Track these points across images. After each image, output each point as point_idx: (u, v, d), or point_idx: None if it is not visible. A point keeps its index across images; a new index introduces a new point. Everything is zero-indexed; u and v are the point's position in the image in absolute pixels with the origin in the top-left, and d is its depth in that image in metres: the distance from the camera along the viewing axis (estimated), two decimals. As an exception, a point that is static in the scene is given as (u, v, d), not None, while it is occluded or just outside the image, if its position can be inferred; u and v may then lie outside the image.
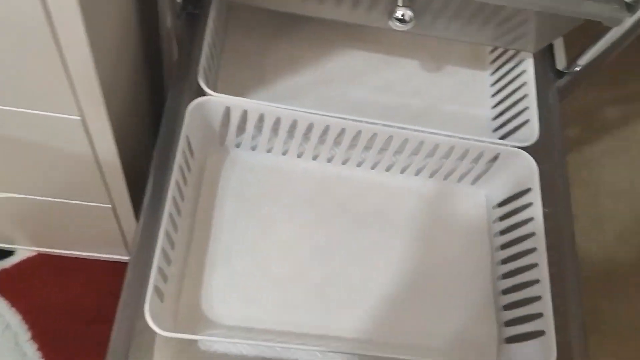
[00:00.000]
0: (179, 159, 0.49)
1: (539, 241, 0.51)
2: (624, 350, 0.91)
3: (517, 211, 0.55)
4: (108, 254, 0.84)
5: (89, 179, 0.59)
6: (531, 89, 0.58)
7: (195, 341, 0.48)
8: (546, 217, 0.52)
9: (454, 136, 0.53)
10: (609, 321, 0.93)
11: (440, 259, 0.55)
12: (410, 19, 0.51)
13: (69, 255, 0.84)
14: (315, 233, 0.54)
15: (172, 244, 0.49)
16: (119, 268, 0.85)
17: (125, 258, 0.85)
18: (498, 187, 0.58)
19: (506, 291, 0.54)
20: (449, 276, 0.55)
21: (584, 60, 0.62)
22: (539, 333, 0.48)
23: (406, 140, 0.54)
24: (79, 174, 0.59)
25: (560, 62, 0.65)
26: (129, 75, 0.57)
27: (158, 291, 0.46)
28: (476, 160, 0.56)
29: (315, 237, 0.54)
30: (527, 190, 0.54)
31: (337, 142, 0.55)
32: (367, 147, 0.55)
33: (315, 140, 0.54)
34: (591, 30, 0.58)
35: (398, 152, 0.56)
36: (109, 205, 0.66)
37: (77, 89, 0.44)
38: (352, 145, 0.55)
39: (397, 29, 0.51)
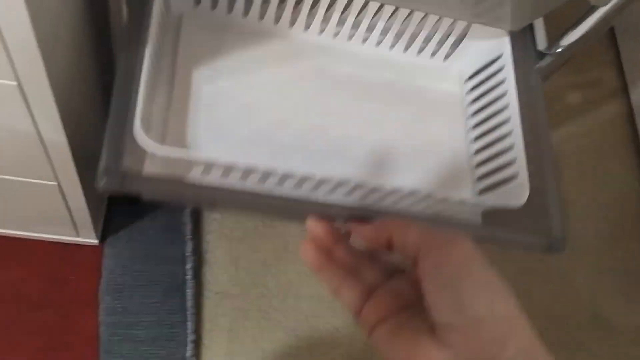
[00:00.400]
0: (155, 13, 0.46)
1: (511, 99, 0.53)
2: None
3: (489, 78, 0.57)
4: (54, 234, 0.77)
5: (31, 153, 0.52)
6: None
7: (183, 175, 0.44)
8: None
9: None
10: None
11: (415, 122, 0.56)
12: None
13: (9, 235, 0.76)
14: (295, 90, 0.54)
15: (154, 87, 0.46)
16: (66, 250, 0.78)
17: (73, 239, 0.77)
18: (471, 60, 0.59)
19: (479, 150, 0.55)
20: (424, 138, 0.56)
21: (566, 41, 0.58)
22: (513, 177, 0.50)
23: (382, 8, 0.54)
24: (19, 147, 0.51)
25: (541, 43, 0.61)
26: (72, 37, 0.50)
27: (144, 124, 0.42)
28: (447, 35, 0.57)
29: (295, 95, 0.54)
30: (498, 57, 0.56)
31: (312, 12, 0.54)
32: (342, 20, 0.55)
33: (291, 8, 0.53)
34: (569, 10, 0.55)
35: (372, 24, 0.56)
36: (55, 183, 0.59)
37: (11, 49, 0.37)
38: (327, 17, 0.55)
39: None
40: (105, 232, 0.79)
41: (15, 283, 0.75)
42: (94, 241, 0.78)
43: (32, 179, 0.58)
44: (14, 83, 0.41)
